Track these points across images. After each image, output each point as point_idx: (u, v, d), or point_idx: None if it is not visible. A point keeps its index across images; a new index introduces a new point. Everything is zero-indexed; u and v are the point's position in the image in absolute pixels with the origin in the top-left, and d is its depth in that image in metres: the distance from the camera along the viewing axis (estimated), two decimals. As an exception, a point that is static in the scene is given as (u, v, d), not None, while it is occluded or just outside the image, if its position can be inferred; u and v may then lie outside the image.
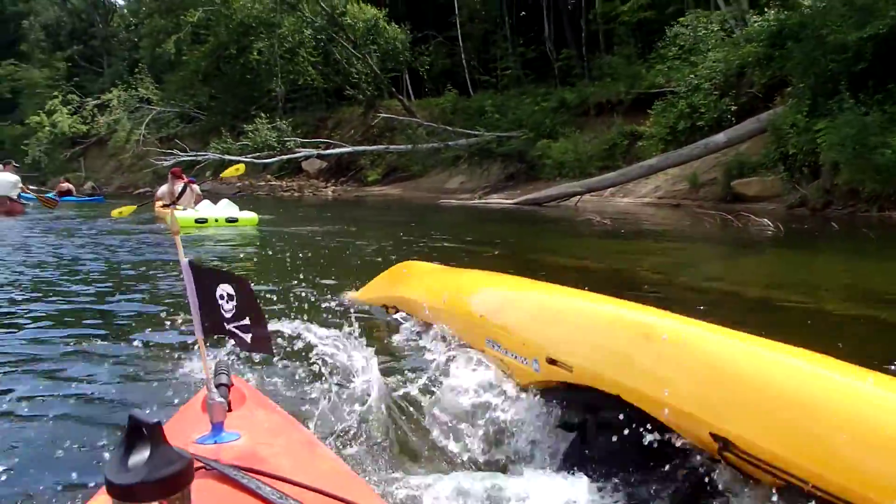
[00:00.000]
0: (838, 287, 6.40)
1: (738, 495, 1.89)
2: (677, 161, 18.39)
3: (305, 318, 3.92)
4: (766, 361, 1.95)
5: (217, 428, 1.66)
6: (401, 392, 2.83)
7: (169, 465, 1.04)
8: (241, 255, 8.72)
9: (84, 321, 4.72)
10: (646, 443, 2.05)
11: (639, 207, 18.52)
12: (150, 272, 6.85)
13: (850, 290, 6.09)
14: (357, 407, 2.68)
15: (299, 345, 3.44)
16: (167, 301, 5.22)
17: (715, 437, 1.88)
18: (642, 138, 21.54)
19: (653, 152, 19.72)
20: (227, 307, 1.70)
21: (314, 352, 3.26)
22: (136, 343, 3.97)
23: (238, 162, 22.02)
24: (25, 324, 4.59)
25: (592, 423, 2.33)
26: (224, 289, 1.70)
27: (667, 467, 2.06)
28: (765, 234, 11.06)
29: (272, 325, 3.80)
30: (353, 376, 2.90)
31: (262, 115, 32.29)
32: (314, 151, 29.94)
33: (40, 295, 5.66)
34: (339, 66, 33.54)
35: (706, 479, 1.96)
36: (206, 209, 12.95)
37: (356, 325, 3.25)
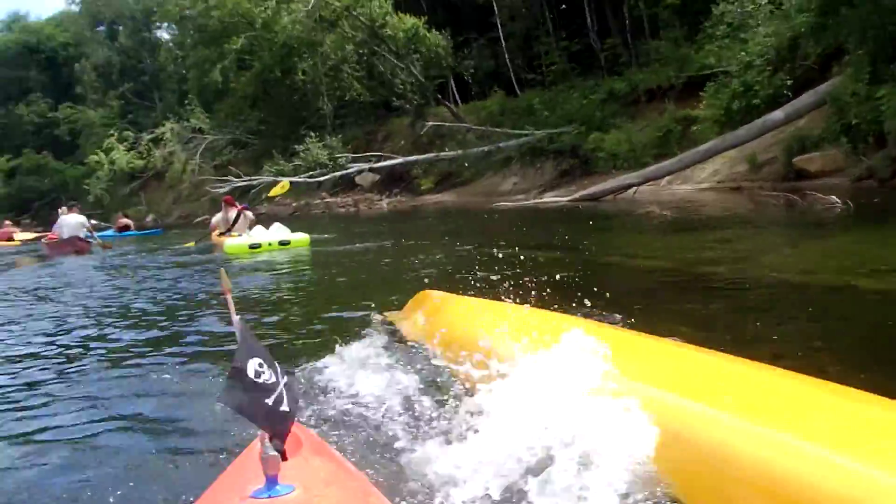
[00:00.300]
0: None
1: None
2: (734, 142, 17.82)
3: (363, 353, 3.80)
4: None
5: (271, 481, 1.63)
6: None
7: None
8: (291, 282, 8.64)
9: (143, 359, 4.69)
10: None
11: (698, 194, 18.04)
12: (206, 308, 6.81)
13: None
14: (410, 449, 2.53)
15: (354, 384, 3.33)
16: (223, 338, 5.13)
17: None
18: (696, 122, 20.97)
19: (708, 135, 19.16)
20: (262, 378, 1.75)
21: (369, 392, 3.14)
22: (195, 386, 3.89)
23: (290, 182, 22.41)
24: (83, 363, 4.69)
25: None
26: (255, 362, 1.75)
27: None
28: (834, 211, 10.59)
29: (326, 360, 3.71)
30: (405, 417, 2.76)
31: (312, 134, 32.50)
32: (366, 165, 30.03)
33: (99, 333, 5.72)
34: (384, 78, 33.54)
35: None
36: (259, 234, 13.02)
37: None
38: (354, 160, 30.20)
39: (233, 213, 14.29)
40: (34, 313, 7.20)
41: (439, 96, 32.62)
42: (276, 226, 13.39)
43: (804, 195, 11.70)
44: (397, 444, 2.64)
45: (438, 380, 3.27)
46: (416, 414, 2.90)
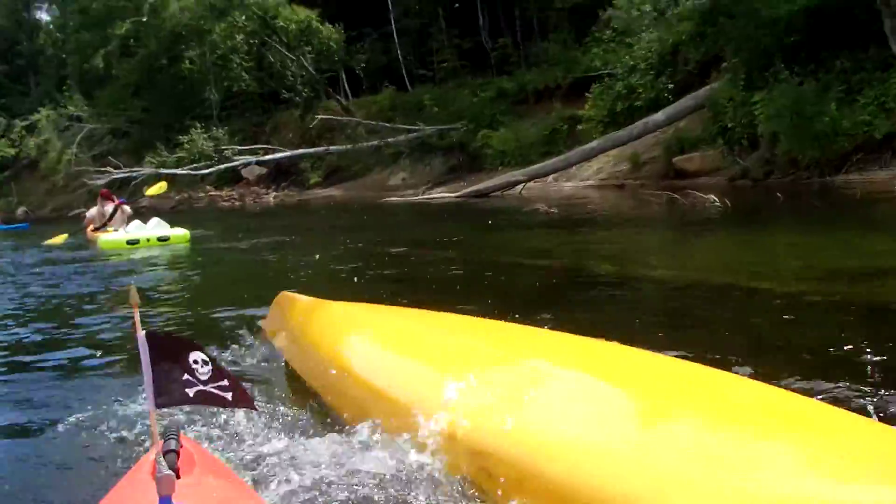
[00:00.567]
0: (794, 264, 6.24)
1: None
2: (617, 142, 18.36)
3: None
4: None
5: (165, 502, 1.49)
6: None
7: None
8: (166, 282, 8.20)
9: (15, 369, 4.33)
10: None
11: (583, 191, 18.46)
12: (84, 311, 6.39)
13: (807, 268, 5.93)
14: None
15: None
16: (107, 345, 4.78)
17: None
18: (582, 122, 21.47)
19: (593, 135, 19.67)
20: (203, 370, 1.84)
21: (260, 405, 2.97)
22: (77, 398, 3.57)
23: (174, 175, 21.59)
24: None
25: None
26: (196, 355, 1.84)
27: None
28: (712, 210, 10.97)
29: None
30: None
31: (198, 124, 31.54)
32: (253, 158, 29.32)
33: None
34: (274, 70, 32.90)
35: None
36: (136, 229, 12.46)
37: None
38: (241, 153, 29.40)
39: (109, 208, 13.67)
40: None
41: (330, 90, 32.22)
42: (155, 220, 12.83)
43: (685, 193, 12.09)
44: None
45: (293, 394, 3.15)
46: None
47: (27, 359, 4.70)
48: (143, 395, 1.82)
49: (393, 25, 31.77)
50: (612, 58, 21.46)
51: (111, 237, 12.51)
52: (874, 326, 3.95)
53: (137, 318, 1.85)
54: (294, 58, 31.78)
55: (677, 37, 19.58)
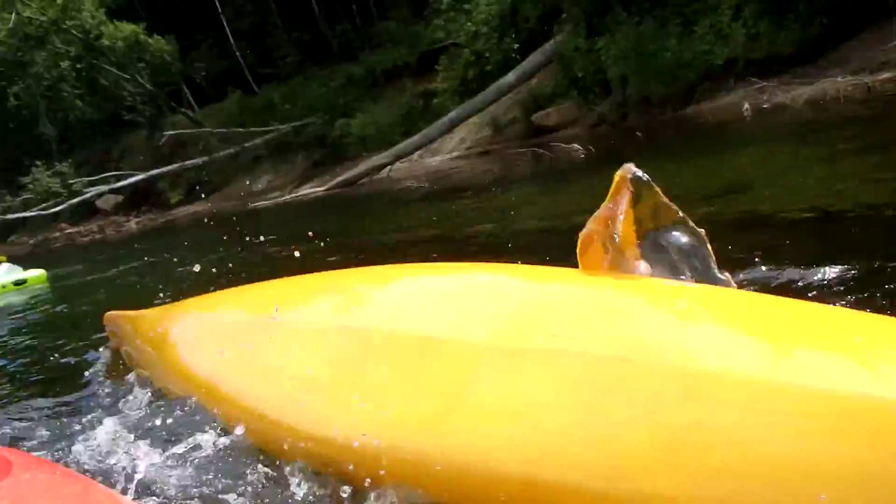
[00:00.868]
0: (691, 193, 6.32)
1: None
2: (474, 109, 18.42)
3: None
4: None
5: None
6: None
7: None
8: (34, 320, 7.71)
9: None
10: None
11: (450, 163, 18.44)
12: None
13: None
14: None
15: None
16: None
17: None
18: (436, 95, 21.43)
19: (449, 107, 19.67)
20: None
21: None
22: None
23: (23, 219, 20.03)
24: None
25: None
26: None
27: None
28: (577, 159, 11.12)
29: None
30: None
31: (38, 162, 29.77)
32: (105, 187, 27.96)
33: None
34: (108, 92, 31.36)
35: None
36: (-13, 278, 11.62)
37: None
38: (91, 184, 27.98)
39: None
40: None
41: (173, 104, 31.01)
42: (6, 266, 12.01)
43: (550, 148, 12.22)
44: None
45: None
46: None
47: None
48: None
49: (227, 28, 30.80)
50: (454, 27, 21.41)
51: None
52: (744, 235, 4.04)
53: None
54: (128, 76, 30.37)
55: (513, -4, 19.72)
